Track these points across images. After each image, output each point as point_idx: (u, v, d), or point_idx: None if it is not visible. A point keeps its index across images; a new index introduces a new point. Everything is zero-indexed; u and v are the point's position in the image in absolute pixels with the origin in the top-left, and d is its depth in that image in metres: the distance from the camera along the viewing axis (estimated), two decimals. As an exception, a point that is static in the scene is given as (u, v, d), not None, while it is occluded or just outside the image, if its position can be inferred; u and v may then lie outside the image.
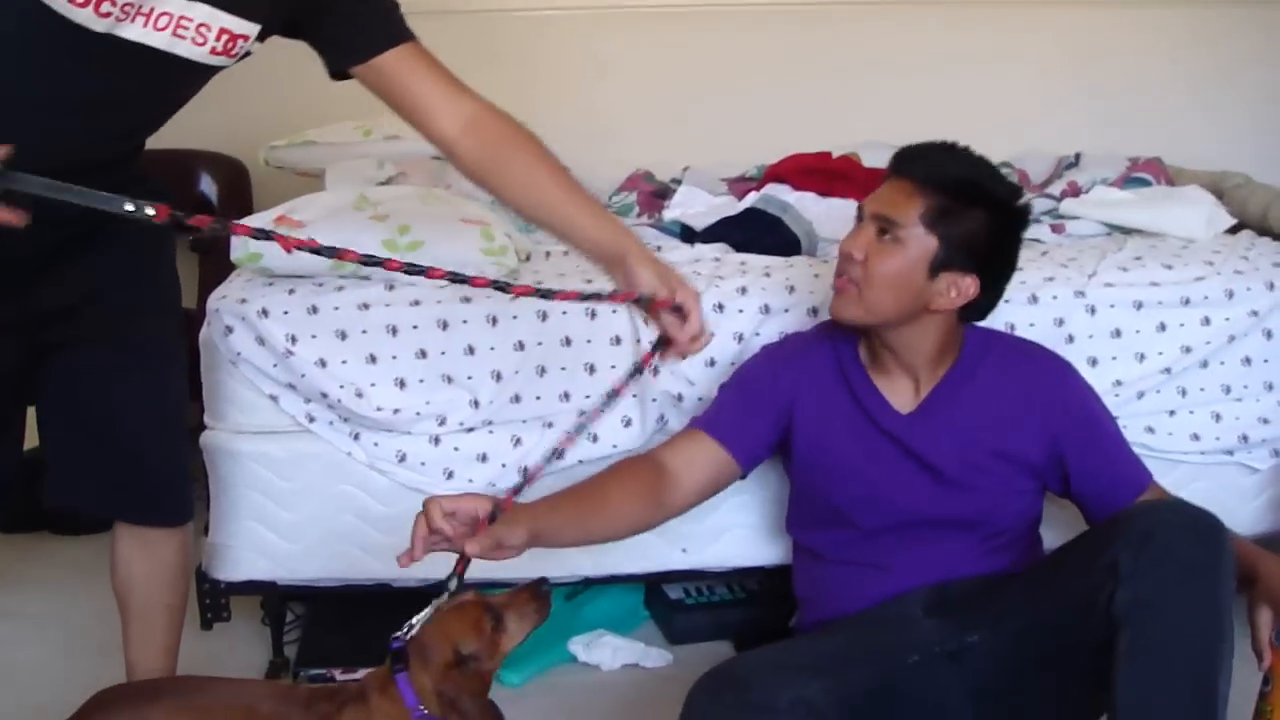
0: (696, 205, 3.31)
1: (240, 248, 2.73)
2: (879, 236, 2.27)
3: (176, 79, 2.10)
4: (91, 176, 1.82)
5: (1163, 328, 2.76)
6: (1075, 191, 3.34)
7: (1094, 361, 2.74)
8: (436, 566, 2.71)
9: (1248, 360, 2.80)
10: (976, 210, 2.25)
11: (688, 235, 3.12)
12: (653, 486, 2.32)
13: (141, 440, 2.33)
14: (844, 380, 2.39)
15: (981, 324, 2.41)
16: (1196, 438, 2.79)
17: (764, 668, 2.12)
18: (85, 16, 1.88)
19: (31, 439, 2.35)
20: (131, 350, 2.29)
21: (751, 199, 3.17)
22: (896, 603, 2.30)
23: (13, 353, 2.18)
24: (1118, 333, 2.75)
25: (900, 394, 2.37)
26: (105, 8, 1.89)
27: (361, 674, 2.68)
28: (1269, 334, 2.79)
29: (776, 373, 2.44)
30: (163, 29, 1.96)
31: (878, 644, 2.21)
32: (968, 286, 2.27)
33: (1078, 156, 3.60)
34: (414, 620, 1.98)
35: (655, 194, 3.49)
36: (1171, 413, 2.80)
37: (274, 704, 2.02)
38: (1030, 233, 3.08)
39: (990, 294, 2.33)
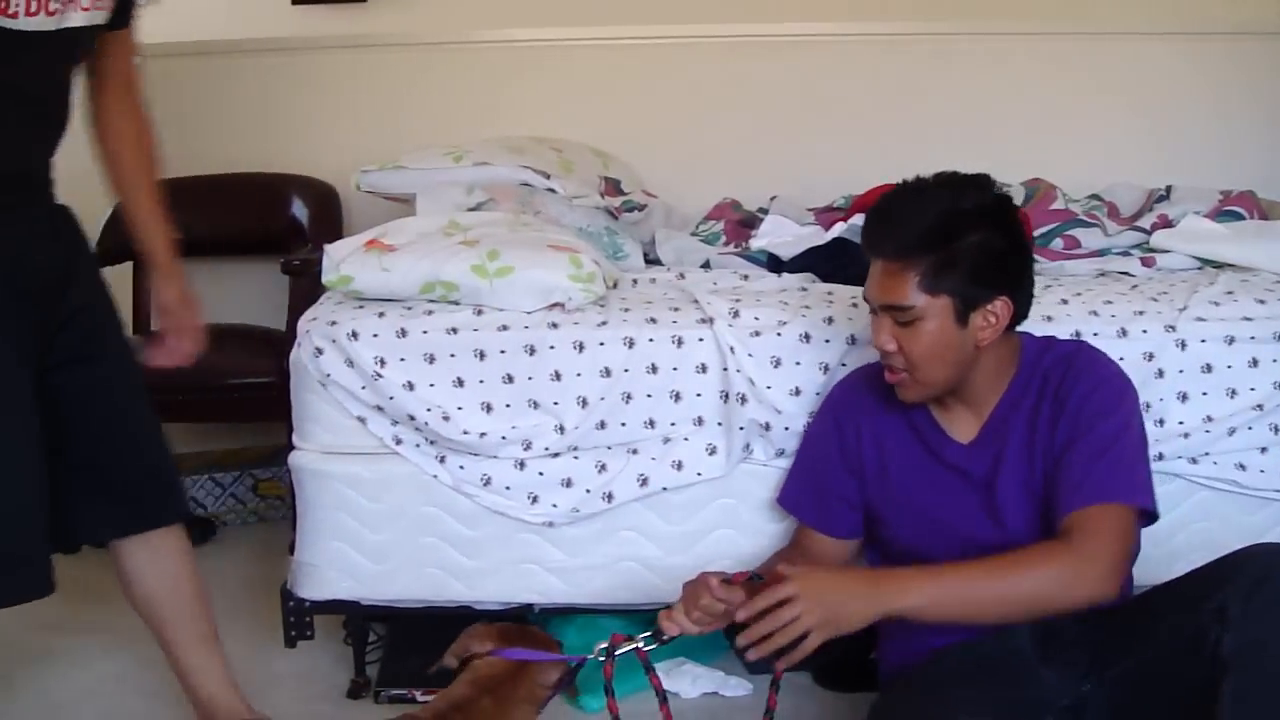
0: (783, 234, 3.31)
1: (331, 270, 2.77)
2: (897, 324, 2.24)
3: (77, 55, 2.32)
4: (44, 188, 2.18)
5: (1255, 363, 2.72)
6: (1166, 224, 3.30)
7: (1184, 397, 2.71)
8: (517, 590, 2.76)
9: (1341, 397, 2.75)
10: (963, 243, 2.19)
11: (775, 264, 3.12)
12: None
13: (146, 443, 2.44)
14: (904, 418, 2.40)
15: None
16: (1288, 476, 2.75)
17: None
18: (38, 22, 2.07)
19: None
20: (112, 355, 2.44)
21: (839, 229, 3.16)
22: (997, 642, 2.25)
23: (31, 380, 2.27)
24: (1209, 368, 2.71)
25: (960, 423, 2.36)
26: (53, 5, 2.09)
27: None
28: (1362, 371, 2.75)
29: (842, 443, 2.47)
30: (87, 8, 2.20)
31: (1007, 700, 2.17)
32: (1001, 308, 2.24)
33: (1169, 189, 3.56)
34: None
35: (742, 223, 3.49)
36: (1263, 450, 2.75)
37: None
38: (1119, 265, 3.09)
39: (1025, 293, 2.29)
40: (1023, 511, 2.31)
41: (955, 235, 2.18)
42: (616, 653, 2.14)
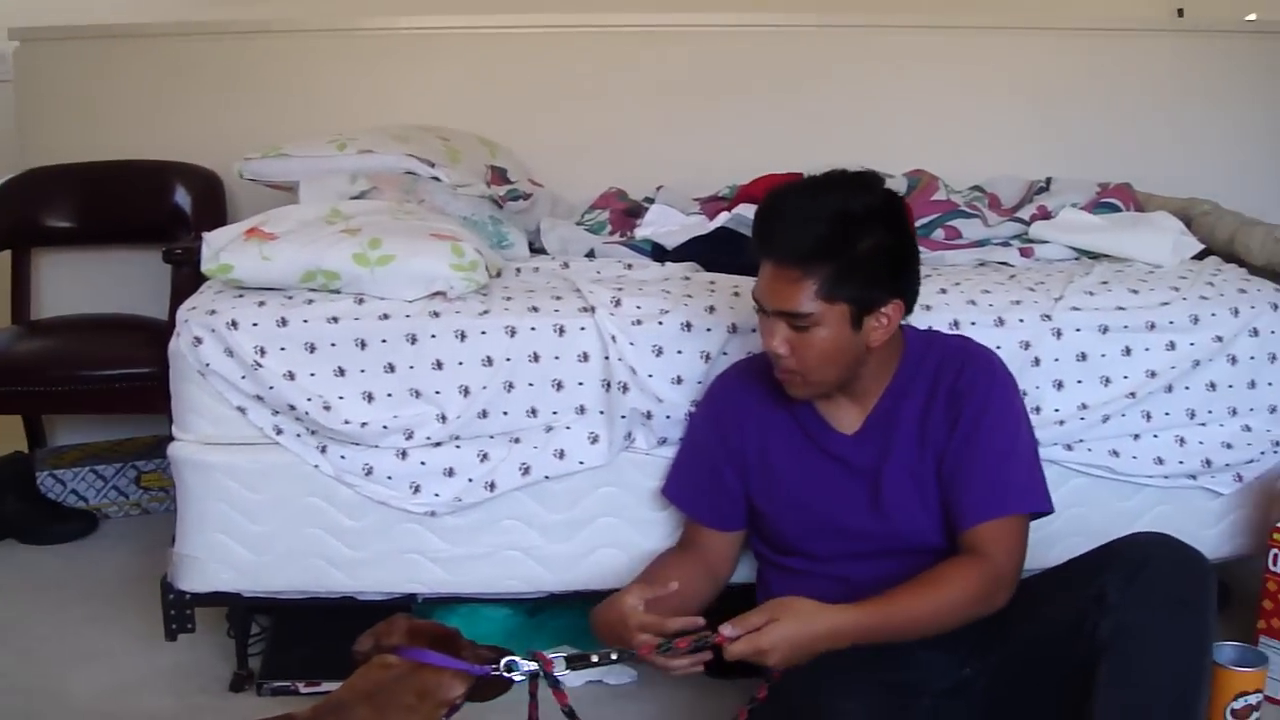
0: (668, 224, 3.32)
1: (211, 259, 2.73)
2: (792, 330, 2.25)
3: None
4: None
5: (1128, 352, 2.78)
6: (1045, 215, 3.35)
7: (1060, 385, 2.76)
8: (400, 580, 2.74)
9: (1212, 385, 2.81)
10: (859, 250, 2.20)
11: (659, 254, 3.13)
12: (703, 572, 2.49)
13: None
14: (787, 411, 2.42)
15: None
16: (1160, 462, 2.80)
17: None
18: None
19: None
20: None
21: (723, 218, 3.18)
22: None
23: None
24: (1083, 356, 2.77)
25: (844, 415, 2.40)
26: None
27: (325, 687, 2.71)
28: (1233, 359, 2.81)
29: (723, 435, 2.49)
30: None
31: (886, 683, 2.20)
32: (894, 310, 2.27)
33: (1048, 181, 3.61)
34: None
35: (628, 212, 3.50)
36: (1136, 436, 2.81)
37: None
38: (999, 256, 3.14)
39: (915, 291, 2.32)
40: (906, 502, 2.35)
41: (851, 242, 2.19)
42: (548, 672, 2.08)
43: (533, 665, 2.05)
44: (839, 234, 2.18)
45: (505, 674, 2.04)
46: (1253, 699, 2.22)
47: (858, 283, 2.21)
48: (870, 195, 2.25)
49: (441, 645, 2.05)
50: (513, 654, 2.06)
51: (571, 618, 2.94)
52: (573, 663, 2.09)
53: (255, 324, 2.66)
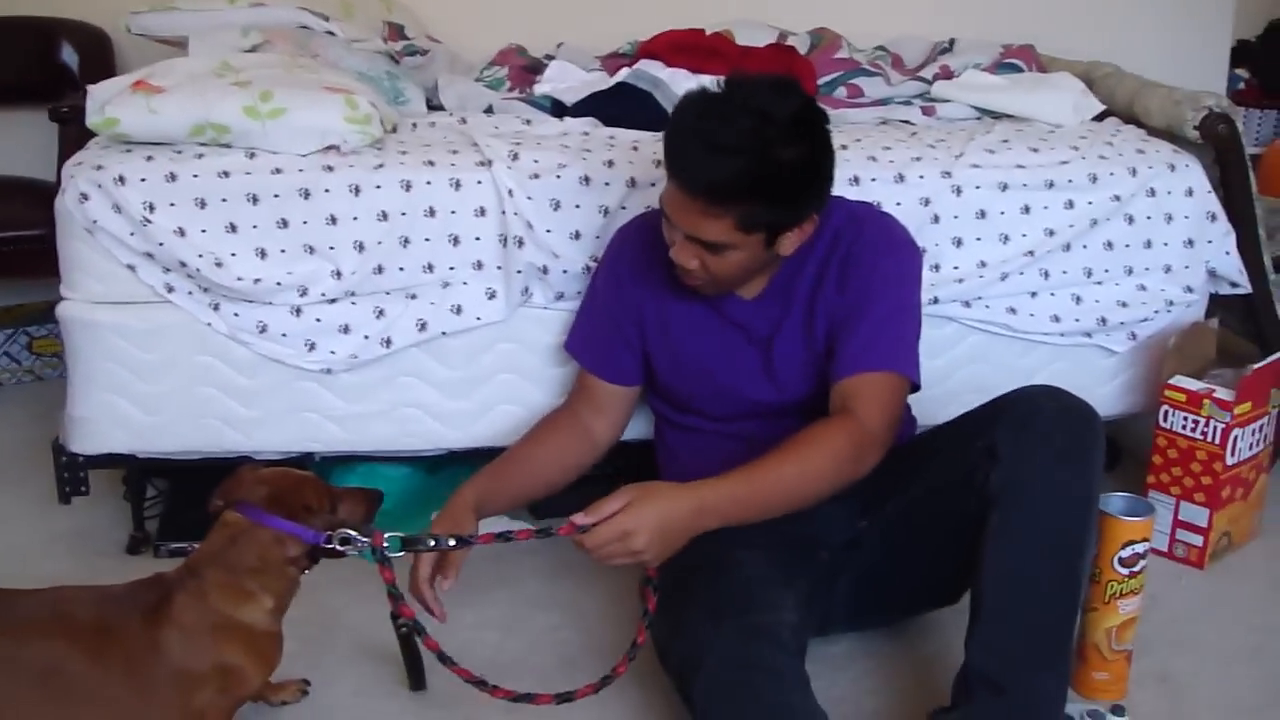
0: (568, 80, 3.27)
1: (96, 112, 2.65)
2: (703, 248, 2.16)
3: None
4: None
5: (1027, 210, 2.79)
6: (948, 76, 3.34)
7: (959, 242, 2.77)
8: (297, 439, 2.72)
9: (1109, 244, 2.84)
10: (778, 180, 2.09)
11: (558, 110, 3.09)
12: (579, 440, 2.49)
13: None
14: None
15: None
16: (1057, 319, 2.83)
17: (743, 587, 2.12)
18: None
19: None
20: None
21: (623, 74, 3.13)
22: None
23: None
24: (983, 214, 2.77)
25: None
26: None
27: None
28: (1130, 219, 2.83)
29: (622, 290, 2.46)
30: None
31: (783, 536, 2.22)
32: (808, 226, 2.21)
33: (952, 42, 3.60)
34: None
35: (527, 68, 3.44)
36: (1033, 294, 2.83)
37: (90, 608, 1.98)
38: (900, 114, 3.13)
39: (828, 196, 2.24)
40: (798, 370, 2.35)
41: (769, 173, 2.07)
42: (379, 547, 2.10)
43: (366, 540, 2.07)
44: (756, 166, 2.06)
45: (339, 547, 2.05)
46: (1140, 548, 2.25)
47: (776, 212, 2.13)
48: (786, 104, 2.10)
49: (286, 499, 2.05)
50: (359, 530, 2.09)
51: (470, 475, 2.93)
52: (407, 544, 2.11)
53: (143, 179, 2.59)
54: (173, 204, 2.59)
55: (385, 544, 2.08)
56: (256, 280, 2.60)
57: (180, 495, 2.96)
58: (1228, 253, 2.91)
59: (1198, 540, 2.76)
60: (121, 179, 2.58)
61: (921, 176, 2.75)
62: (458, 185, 2.63)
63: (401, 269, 2.64)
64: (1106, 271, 2.86)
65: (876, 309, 2.26)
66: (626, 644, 2.17)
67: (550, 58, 3.51)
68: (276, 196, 2.60)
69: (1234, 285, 2.95)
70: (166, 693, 1.96)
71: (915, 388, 2.30)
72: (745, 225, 2.11)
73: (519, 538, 2.09)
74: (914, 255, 2.36)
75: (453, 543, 2.13)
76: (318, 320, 2.64)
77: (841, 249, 2.30)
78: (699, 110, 2.11)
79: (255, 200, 2.60)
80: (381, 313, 2.66)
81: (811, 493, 2.13)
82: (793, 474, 2.11)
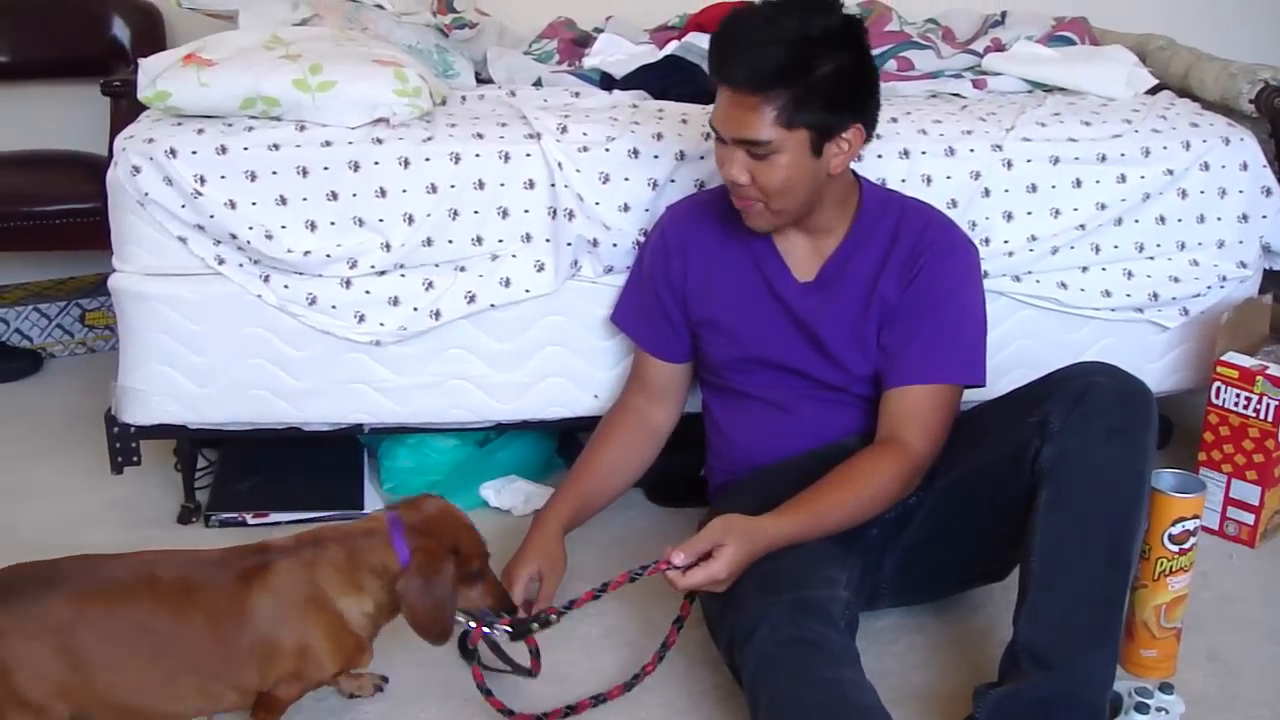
0: (617, 53, 3.25)
1: (147, 85, 2.67)
2: (750, 157, 2.20)
3: None
4: None
5: (1079, 184, 2.76)
6: (999, 48, 3.32)
7: (1009, 216, 2.75)
8: (346, 410, 2.73)
9: (1161, 219, 2.81)
10: (819, 73, 2.14)
11: (607, 83, 3.08)
12: (640, 434, 2.55)
13: None
14: (745, 246, 2.40)
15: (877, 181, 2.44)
16: (1108, 294, 2.81)
17: (798, 563, 2.13)
18: None
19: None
20: None
21: (672, 47, 3.13)
22: (820, 457, 2.30)
23: None
24: (1034, 188, 2.75)
25: (802, 260, 2.38)
26: None
27: (273, 518, 2.72)
28: (1183, 193, 2.81)
29: (668, 267, 2.47)
30: None
31: None
32: (854, 135, 2.23)
33: (1003, 14, 3.57)
34: None
35: (576, 41, 3.44)
36: (1084, 269, 2.82)
37: (177, 569, 1.99)
38: (951, 87, 3.11)
39: (874, 116, 2.28)
40: (845, 346, 2.36)
41: (811, 66, 2.13)
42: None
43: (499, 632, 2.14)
44: (797, 58, 2.13)
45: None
46: (1190, 525, 2.24)
47: (817, 107, 2.16)
48: (829, 17, 2.18)
49: (436, 530, 2.04)
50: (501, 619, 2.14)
51: (519, 449, 2.95)
52: (517, 635, 2.16)
53: (194, 152, 2.60)
54: (223, 176, 2.60)
55: (493, 632, 2.13)
56: (306, 252, 2.61)
57: (230, 466, 2.98)
58: (1283, 228, 2.88)
59: (1249, 518, 2.73)
60: (173, 152, 2.59)
61: (972, 150, 2.73)
62: (506, 158, 2.63)
63: (450, 241, 2.64)
64: (1159, 246, 2.83)
65: (944, 312, 2.30)
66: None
67: (599, 31, 3.50)
68: (326, 169, 2.61)
69: (1289, 261, 2.92)
70: (246, 658, 1.97)
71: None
72: (787, 119, 2.15)
73: (613, 588, 2.13)
74: (975, 255, 2.40)
75: (555, 618, 2.16)
76: (367, 292, 2.65)
77: (907, 240, 2.32)
78: (740, 15, 2.20)
79: (305, 173, 2.61)
80: (430, 285, 2.66)
81: (861, 519, 2.20)
82: (848, 509, 2.18)
